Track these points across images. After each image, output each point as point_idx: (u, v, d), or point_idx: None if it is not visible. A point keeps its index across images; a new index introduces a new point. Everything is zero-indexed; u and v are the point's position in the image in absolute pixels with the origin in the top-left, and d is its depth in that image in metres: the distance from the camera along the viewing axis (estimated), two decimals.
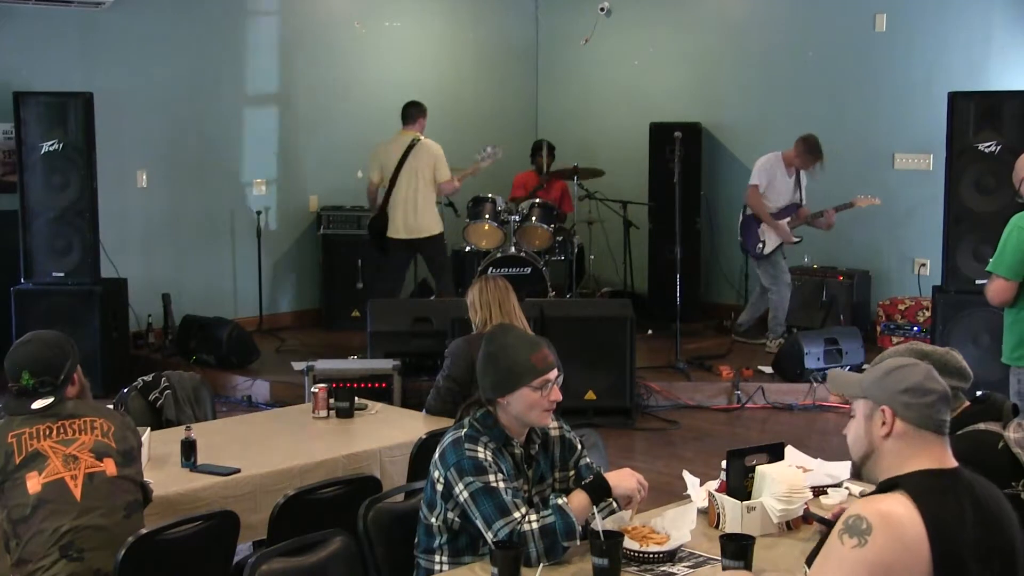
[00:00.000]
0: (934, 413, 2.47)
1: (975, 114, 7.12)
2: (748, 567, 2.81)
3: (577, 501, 3.12)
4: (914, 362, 2.55)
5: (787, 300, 8.78)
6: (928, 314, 7.93)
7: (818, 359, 7.79)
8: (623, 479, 3.23)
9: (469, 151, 9.46)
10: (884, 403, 2.49)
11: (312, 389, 4.94)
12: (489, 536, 3.03)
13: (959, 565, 2.35)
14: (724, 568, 2.84)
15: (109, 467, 3.34)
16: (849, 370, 7.05)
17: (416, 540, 3.28)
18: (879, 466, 2.51)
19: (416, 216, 8.58)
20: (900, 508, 2.35)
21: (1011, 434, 2.98)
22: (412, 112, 8.70)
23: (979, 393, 3.20)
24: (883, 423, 2.48)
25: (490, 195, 9.15)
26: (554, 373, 3.25)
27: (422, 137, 8.62)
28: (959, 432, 3.04)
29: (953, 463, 2.49)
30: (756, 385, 7.81)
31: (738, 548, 2.82)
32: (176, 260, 9.21)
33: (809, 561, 2.56)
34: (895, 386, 2.49)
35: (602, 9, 10.21)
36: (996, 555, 2.42)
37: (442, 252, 8.87)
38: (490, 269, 8.55)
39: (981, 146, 7.07)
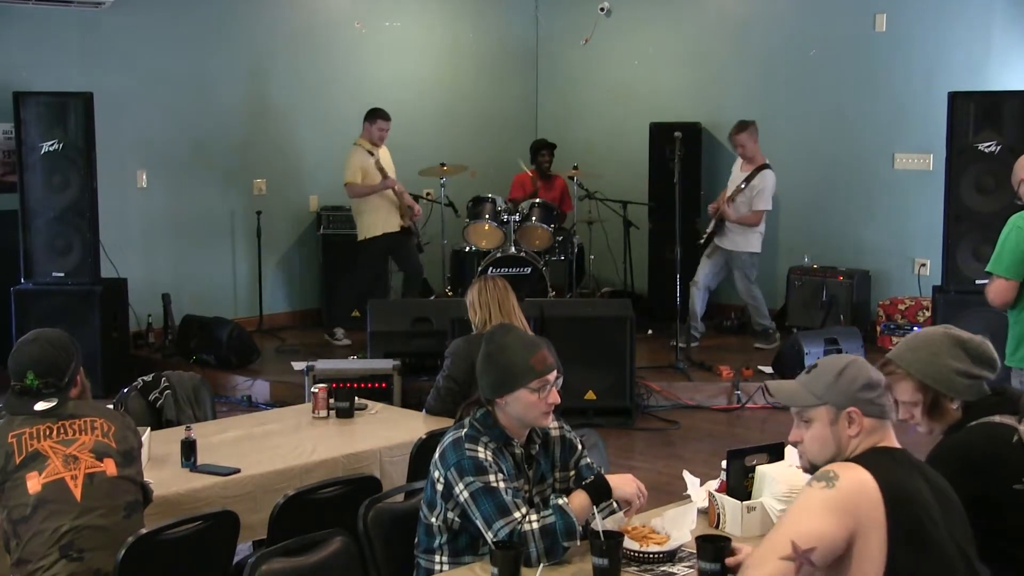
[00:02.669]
0: (886, 401, 2.64)
1: (975, 114, 7.13)
2: (723, 570, 2.80)
3: (578, 501, 3.12)
4: (850, 357, 2.71)
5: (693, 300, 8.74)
6: (928, 314, 7.93)
7: (818, 359, 7.75)
8: (624, 483, 3.23)
9: (469, 151, 9.48)
10: (849, 406, 2.61)
11: (312, 389, 4.94)
12: (489, 536, 3.03)
13: (917, 529, 2.44)
14: (700, 571, 2.83)
15: (109, 467, 3.33)
16: None
17: (416, 540, 3.28)
18: (841, 459, 2.62)
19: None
20: (860, 472, 2.49)
21: None
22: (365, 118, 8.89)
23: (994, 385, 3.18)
24: (851, 423, 2.61)
25: (490, 195, 9.14)
26: (553, 375, 3.25)
27: (357, 143, 8.82)
28: (973, 423, 3.02)
29: (898, 444, 2.63)
30: (756, 385, 7.80)
31: (715, 550, 2.82)
32: (176, 260, 9.20)
33: None
34: (851, 386, 2.61)
35: (602, 9, 10.21)
36: (958, 532, 2.51)
37: (361, 258, 8.98)
38: (490, 269, 8.55)
39: (981, 146, 7.07)
